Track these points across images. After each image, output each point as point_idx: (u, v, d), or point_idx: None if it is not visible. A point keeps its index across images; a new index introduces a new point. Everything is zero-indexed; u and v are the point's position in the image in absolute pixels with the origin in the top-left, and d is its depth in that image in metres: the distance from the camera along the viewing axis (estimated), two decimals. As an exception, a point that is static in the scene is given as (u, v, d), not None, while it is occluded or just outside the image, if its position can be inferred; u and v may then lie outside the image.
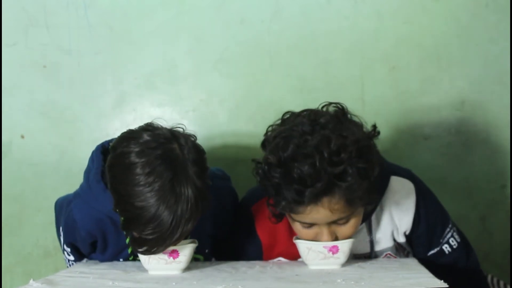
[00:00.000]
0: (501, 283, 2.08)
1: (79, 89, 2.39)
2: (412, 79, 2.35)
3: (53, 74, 2.39)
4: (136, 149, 1.58)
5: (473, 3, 2.32)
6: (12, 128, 2.40)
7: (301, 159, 1.54)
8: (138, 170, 1.55)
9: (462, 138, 2.36)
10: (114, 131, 2.38)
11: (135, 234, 1.61)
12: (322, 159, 1.53)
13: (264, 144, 1.70)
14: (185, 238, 1.69)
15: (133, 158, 1.57)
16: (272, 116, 2.29)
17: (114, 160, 1.63)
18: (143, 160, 1.56)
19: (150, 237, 1.57)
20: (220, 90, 2.38)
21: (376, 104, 2.35)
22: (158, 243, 1.59)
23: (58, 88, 2.39)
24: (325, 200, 1.58)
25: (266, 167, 1.61)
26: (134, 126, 2.30)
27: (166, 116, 2.36)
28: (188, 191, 1.56)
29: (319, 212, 1.61)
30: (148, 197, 1.54)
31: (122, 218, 1.63)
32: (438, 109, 2.35)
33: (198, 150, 1.65)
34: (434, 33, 2.34)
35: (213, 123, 2.38)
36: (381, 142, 1.74)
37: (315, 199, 1.57)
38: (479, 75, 2.34)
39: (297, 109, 2.29)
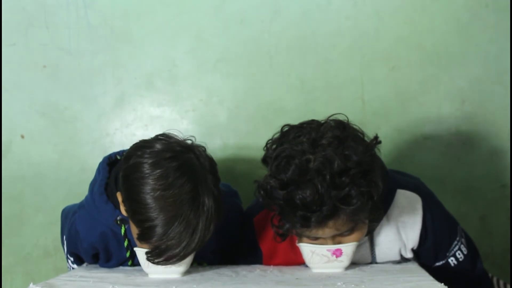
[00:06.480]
0: (501, 282, 2.09)
1: (79, 89, 2.39)
2: (412, 79, 2.34)
3: (53, 74, 2.38)
4: (151, 160, 1.54)
5: (473, 3, 2.32)
6: (12, 128, 2.39)
7: (303, 184, 1.52)
8: (156, 182, 1.52)
9: (462, 138, 2.35)
10: (114, 131, 2.38)
11: (150, 246, 1.57)
12: (325, 182, 1.51)
13: (265, 160, 1.66)
14: None
15: (149, 169, 1.53)
16: (272, 116, 2.33)
17: (128, 171, 1.58)
18: (159, 171, 1.52)
19: (170, 249, 1.54)
20: (220, 90, 2.38)
21: (376, 104, 2.35)
22: (176, 255, 1.55)
23: (58, 88, 2.39)
24: (331, 222, 1.58)
25: (269, 188, 1.59)
26: (134, 126, 2.37)
27: (166, 116, 2.36)
28: (209, 201, 1.54)
29: (324, 231, 1.61)
30: (169, 210, 1.51)
31: (138, 229, 1.57)
32: (438, 109, 2.34)
33: (211, 160, 1.63)
34: (434, 33, 2.33)
35: (213, 123, 2.38)
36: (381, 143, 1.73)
37: (321, 223, 1.56)
38: (479, 75, 2.34)
39: (297, 109, 2.33)
